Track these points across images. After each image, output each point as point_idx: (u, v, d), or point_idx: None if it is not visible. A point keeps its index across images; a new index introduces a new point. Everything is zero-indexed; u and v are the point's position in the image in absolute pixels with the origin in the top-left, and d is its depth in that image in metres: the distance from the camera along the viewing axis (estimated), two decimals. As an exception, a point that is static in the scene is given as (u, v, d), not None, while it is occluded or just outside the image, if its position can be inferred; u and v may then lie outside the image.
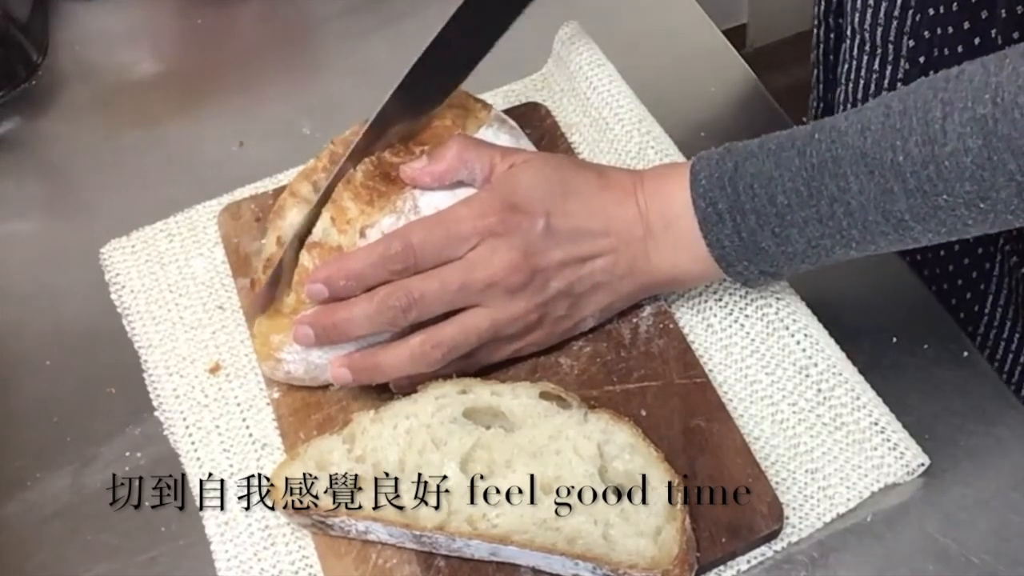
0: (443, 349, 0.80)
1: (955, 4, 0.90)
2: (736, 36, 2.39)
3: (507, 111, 0.96)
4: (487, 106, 0.90)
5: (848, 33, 1.00)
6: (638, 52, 1.05)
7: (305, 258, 0.82)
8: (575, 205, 0.82)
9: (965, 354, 0.86)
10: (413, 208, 0.82)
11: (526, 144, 0.90)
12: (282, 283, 0.84)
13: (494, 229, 0.80)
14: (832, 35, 1.11)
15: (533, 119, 0.98)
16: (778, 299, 0.86)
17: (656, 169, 0.85)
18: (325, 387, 0.85)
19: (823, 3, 1.11)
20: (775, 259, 0.79)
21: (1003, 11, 0.86)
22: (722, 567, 0.78)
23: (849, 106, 1.04)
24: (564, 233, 0.81)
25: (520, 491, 0.76)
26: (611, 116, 0.98)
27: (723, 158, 0.79)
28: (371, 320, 0.79)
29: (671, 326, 0.86)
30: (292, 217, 0.85)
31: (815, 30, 1.14)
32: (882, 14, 0.95)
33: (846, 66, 1.03)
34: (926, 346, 0.87)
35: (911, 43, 0.95)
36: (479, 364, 0.84)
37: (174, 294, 0.92)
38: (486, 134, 0.87)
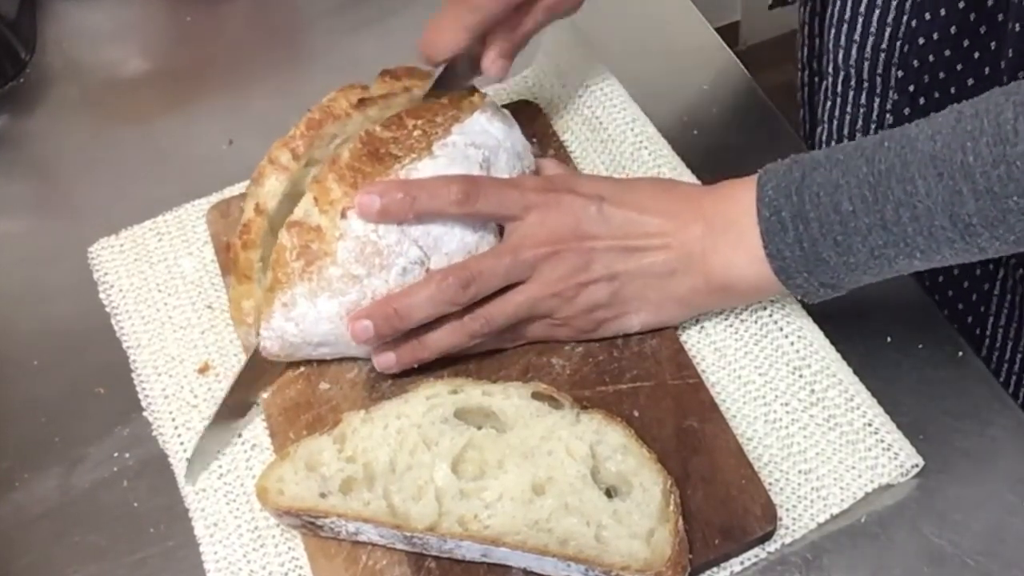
0: (483, 320, 0.82)
1: (953, 28, 0.90)
2: (729, 34, 2.39)
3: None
4: (482, 93, 0.90)
5: (829, 71, 1.00)
6: (631, 50, 1.04)
7: (284, 237, 0.81)
8: (634, 197, 0.84)
9: (960, 354, 0.86)
10: None
11: (518, 134, 0.89)
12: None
13: (548, 202, 0.82)
14: (816, 78, 1.11)
15: (524, 117, 0.97)
16: (772, 300, 0.86)
17: (723, 182, 0.84)
18: (316, 386, 0.85)
19: (806, 48, 1.11)
20: (836, 270, 0.77)
21: (1017, 25, 0.85)
22: (715, 568, 0.77)
23: (833, 143, 1.04)
24: (617, 220, 0.82)
25: (512, 492, 0.75)
26: (604, 115, 0.97)
27: (790, 169, 0.78)
28: (432, 300, 0.80)
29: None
30: (270, 185, 0.85)
31: (800, 74, 1.14)
32: (869, 48, 0.94)
33: (828, 104, 1.02)
34: (920, 346, 0.86)
35: (900, 73, 0.94)
36: (519, 340, 0.85)
37: (163, 293, 0.91)
38: (479, 120, 0.86)
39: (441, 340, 0.83)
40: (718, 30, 1.09)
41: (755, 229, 0.78)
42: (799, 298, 0.81)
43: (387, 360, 0.83)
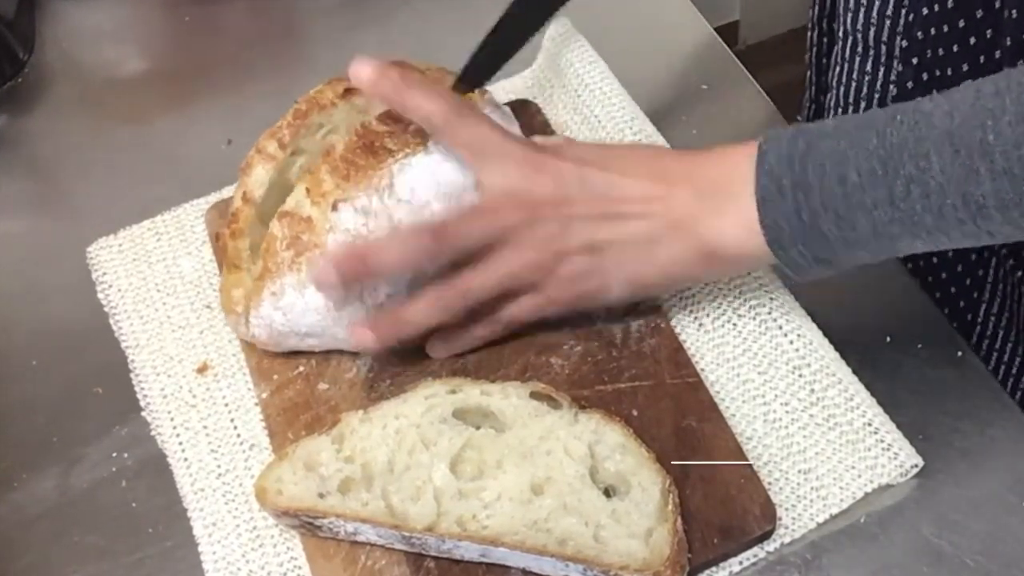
0: (460, 291, 0.80)
1: (950, 2, 0.89)
2: (728, 33, 2.39)
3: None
4: (483, 90, 0.90)
5: (840, 35, 0.99)
6: (629, 49, 1.04)
7: (275, 226, 0.82)
8: (620, 163, 0.81)
9: (959, 354, 0.86)
10: (388, 186, 0.81)
11: (517, 131, 0.89)
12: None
13: (534, 164, 0.80)
14: (825, 39, 1.11)
15: (523, 116, 0.97)
16: (771, 299, 0.86)
17: (718, 147, 0.81)
18: (314, 386, 0.85)
19: (817, 6, 1.10)
20: (834, 245, 0.75)
21: (1014, 11, 0.85)
22: (714, 568, 0.77)
23: (840, 110, 1.03)
24: (598, 185, 0.80)
25: (510, 492, 0.75)
26: (603, 114, 0.97)
27: (795, 137, 0.75)
28: (402, 250, 0.79)
29: (663, 325, 0.86)
30: (257, 174, 0.85)
31: (809, 33, 1.13)
32: (875, 14, 0.94)
33: (837, 69, 1.02)
34: (920, 346, 0.86)
35: (904, 43, 0.94)
36: (506, 323, 0.84)
37: (161, 293, 0.91)
38: None
39: (418, 314, 0.81)
40: (718, 30, 1.09)
41: (751, 197, 0.76)
42: (790, 272, 0.79)
43: (364, 336, 0.81)
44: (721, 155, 0.80)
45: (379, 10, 1.11)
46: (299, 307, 0.81)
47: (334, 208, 0.80)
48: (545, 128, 0.98)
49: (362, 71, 0.79)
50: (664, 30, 1.09)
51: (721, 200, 0.78)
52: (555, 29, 1.01)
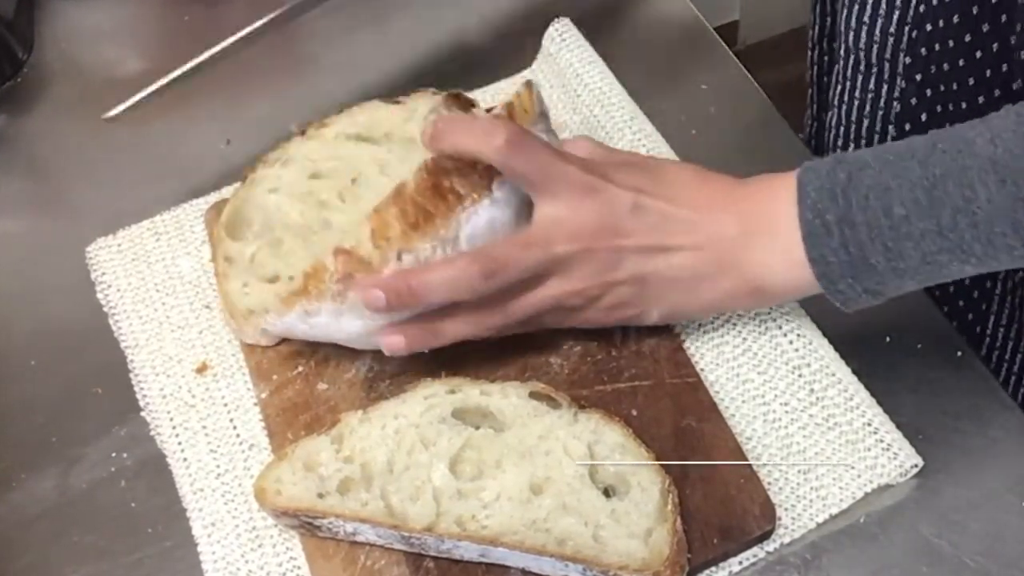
0: (502, 316, 0.80)
1: (955, 17, 0.89)
2: (728, 33, 2.39)
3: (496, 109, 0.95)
4: (531, 88, 0.86)
5: (841, 54, 0.98)
6: (629, 49, 1.04)
7: (328, 260, 0.79)
8: (669, 191, 0.80)
9: (959, 354, 0.86)
10: (454, 238, 0.79)
11: (549, 124, 0.88)
12: None
13: (588, 189, 0.78)
14: (826, 58, 1.10)
15: (523, 117, 0.98)
16: (771, 298, 0.86)
17: (760, 176, 0.81)
18: (314, 387, 0.85)
19: (817, 27, 1.10)
20: (883, 276, 0.75)
21: (1021, 24, 0.85)
22: (714, 568, 0.77)
23: (841, 128, 1.03)
24: (652, 215, 0.79)
25: (510, 492, 0.75)
26: (602, 114, 0.97)
27: (834, 169, 0.75)
28: (451, 284, 0.77)
29: (662, 324, 0.85)
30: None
31: (809, 52, 1.12)
32: (878, 31, 0.93)
33: (839, 88, 1.01)
34: (920, 346, 0.86)
35: (907, 60, 0.93)
36: (536, 327, 0.83)
37: (161, 293, 0.91)
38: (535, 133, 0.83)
39: (457, 330, 0.80)
40: (717, 30, 1.09)
41: (795, 232, 0.75)
42: (838, 303, 0.78)
43: (396, 342, 0.80)
44: (760, 188, 0.79)
45: (376, 10, 1.11)
46: (332, 327, 0.81)
47: (399, 258, 0.78)
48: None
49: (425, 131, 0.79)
50: (664, 30, 1.09)
51: (765, 235, 0.78)
52: (555, 29, 1.01)
